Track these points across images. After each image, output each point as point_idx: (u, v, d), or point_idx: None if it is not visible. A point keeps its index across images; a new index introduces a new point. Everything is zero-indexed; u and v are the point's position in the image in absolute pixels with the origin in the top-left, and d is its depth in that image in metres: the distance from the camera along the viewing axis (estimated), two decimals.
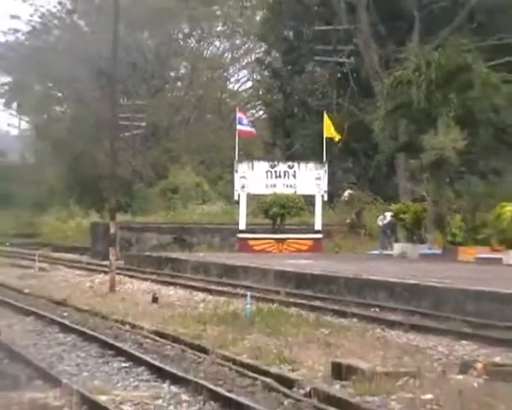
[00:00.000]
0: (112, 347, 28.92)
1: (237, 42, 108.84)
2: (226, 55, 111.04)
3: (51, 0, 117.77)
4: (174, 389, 23.06)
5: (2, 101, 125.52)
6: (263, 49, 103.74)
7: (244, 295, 41.34)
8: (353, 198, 78.11)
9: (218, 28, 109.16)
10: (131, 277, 51.92)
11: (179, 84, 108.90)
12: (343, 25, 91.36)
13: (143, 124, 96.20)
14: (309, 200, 70.86)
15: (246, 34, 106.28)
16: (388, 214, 69.37)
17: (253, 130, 77.62)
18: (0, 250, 78.03)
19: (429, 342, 30.17)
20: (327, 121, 71.00)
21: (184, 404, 21.52)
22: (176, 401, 21.88)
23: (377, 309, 38.28)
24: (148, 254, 63.12)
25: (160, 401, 21.70)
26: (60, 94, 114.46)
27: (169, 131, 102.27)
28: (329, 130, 70.64)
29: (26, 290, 46.06)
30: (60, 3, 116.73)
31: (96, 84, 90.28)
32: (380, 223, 68.44)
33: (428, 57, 76.18)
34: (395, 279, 43.86)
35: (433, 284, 41.25)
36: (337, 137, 71.83)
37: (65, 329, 33.21)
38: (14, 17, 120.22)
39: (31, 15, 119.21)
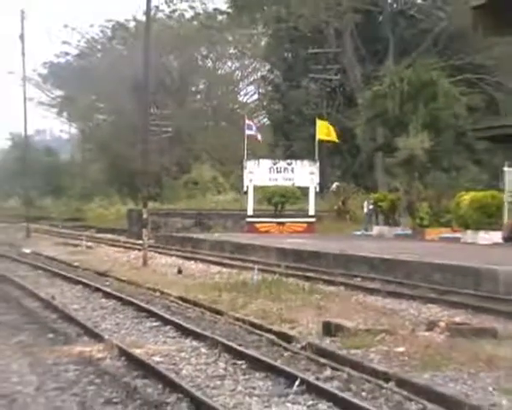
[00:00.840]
0: (145, 310, 29.08)
1: (246, 62, 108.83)
2: (237, 73, 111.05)
3: (95, 28, 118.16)
4: (195, 343, 23.20)
5: (56, 110, 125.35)
6: (266, 68, 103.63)
7: (251, 268, 41.50)
8: (340, 189, 78.14)
9: (230, 51, 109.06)
10: (160, 253, 51.93)
11: (198, 96, 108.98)
12: (331, 48, 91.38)
13: (169, 129, 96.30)
14: (304, 191, 70.85)
15: (253, 56, 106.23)
16: (370, 202, 69.81)
17: (258, 135, 77.79)
18: (53, 231, 77.89)
19: (402, 305, 30.31)
20: (322, 125, 71.22)
21: (203, 356, 21.63)
22: (196, 353, 22.02)
23: (359, 279, 38.42)
24: (173, 234, 62.91)
25: (183, 354, 21.83)
26: (102, 105, 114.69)
27: (190, 135, 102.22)
28: (323, 133, 70.76)
29: (75, 264, 46.09)
30: (102, 31, 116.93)
31: (131, 97, 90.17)
32: (365, 209, 68.57)
33: (401, 75, 76.68)
34: (374, 255, 44.08)
35: (405, 259, 41.36)
36: (334, 139, 72.03)
37: (107, 295, 33.45)
38: (64, 43, 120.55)
39: (78, 41, 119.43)
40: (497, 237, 51.62)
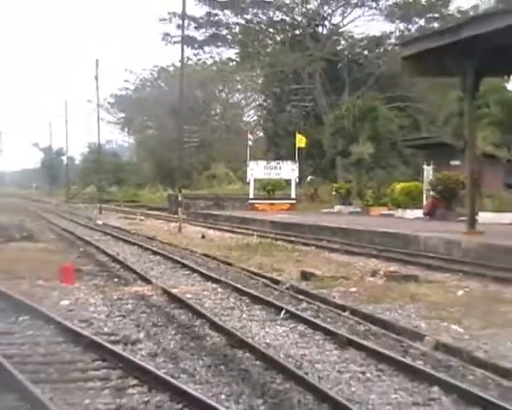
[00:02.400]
0: (179, 262, 29.08)
1: (248, 94, 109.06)
2: (242, 101, 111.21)
3: (146, 71, 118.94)
4: (213, 285, 23.21)
5: (119, 127, 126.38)
6: (262, 98, 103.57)
7: (251, 234, 41.88)
8: (312, 181, 78.19)
9: (238, 87, 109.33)
10: (190, 224, 51.97)
11: (216, 117, 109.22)
12: (306, 85, 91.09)
13: (196, 140, 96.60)
14: (288, 182, 70.72)
15: (253, 90, 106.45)
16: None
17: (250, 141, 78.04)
18: (110, 210, 77.92)
19: (354, 259, 30.30)
20: (300, 137, 71.28)
21: (219, 294, 21.69)
22: (215, 292, 22.08)
23: (325, 242, 38.35)
24: (198, 211, 62.98)
25: (205, 292, 21.86)
26: (150, 124, 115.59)
27: (210, 144, 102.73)
28: (301, 142, 70.83)
29: (132, 231, 46.02)
30: (150, 73, 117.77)
31: (170, 118, 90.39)
32: (334, 195, 68.65)
33: (353, 103, 77.08)
34: (335, 225, 44.18)
35: (356, 228, 41.46)
36: (304, 145, 72.05)
37: (153, 253, 33.37)
38: (125, 81, 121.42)
39: (134, 80, 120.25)
40: (418, 213, 51.75)
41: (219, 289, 22.52)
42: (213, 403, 10.98)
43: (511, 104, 56.21)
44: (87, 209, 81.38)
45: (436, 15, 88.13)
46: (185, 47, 68.81)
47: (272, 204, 67.52)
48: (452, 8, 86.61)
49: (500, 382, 12.50)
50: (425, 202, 53.34)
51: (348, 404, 10.97)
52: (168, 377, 12.34)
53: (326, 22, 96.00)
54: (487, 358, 13.76)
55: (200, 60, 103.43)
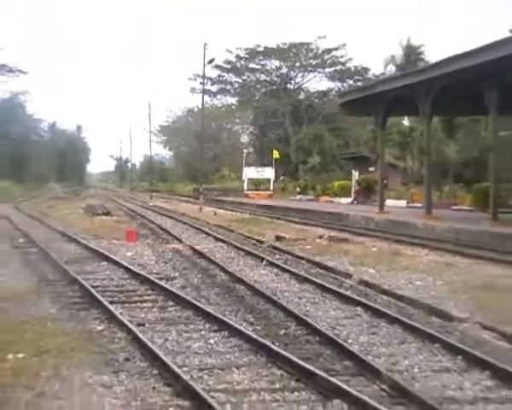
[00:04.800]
0: (200, 230, 28.64)
1: (243, 125, 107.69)
2: (240, 130, 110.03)
3: (179, 111, 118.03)
4: (221, 244, 22.96)
5: (163, 145, 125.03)
6: (252, 128, 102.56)
7: (245, 212, 41.45)
8: (283, 180, 77.59)
9: (237, 121, 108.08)
10: (207, 206, 51.23)
11: (224, 139, 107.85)
12: (280, 119, 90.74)
13: (211, 153, 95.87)
14: (268, 180, 70.21)
15: (246, 123, 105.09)
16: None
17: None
18: (157, 196, 77.36)
19: (308, 228, 29.96)
20: (275, 152, 70.45)
21: (225, 249, 21.45)
22: (222, 248, 21.83)
23: (291, 217, 38.05)
24: (213, 198, 62.71)
25: (216, 248, 21.63)
26: (182, 143, 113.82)
27: (220, 156, 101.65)
28: (276, 155, 70.18)
29: (171, 210, 45.54)
30: (182, 112, 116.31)
31: (195, 140, 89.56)
32: (297, 189, 67.93)
33: (309, 131, 76.38)
34: (297, 207, 43.90)
35: (310, 209, 41.28)
36: (279, 157, 71.50)
37: (183, 223, 32.74)
38: (167, 117, 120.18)
39: (173, 116, 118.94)
40: (348, 200, 51.60)
41: (225, 246, 22.28)
42: (220, 316, 11.05)
43: (405, 133, 56.77)
44: (142, 196, 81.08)
45: (360, 78, 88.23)
46: (205, 96, 68.65)
47: (258, 194, 66.97)
48: (370, 74, 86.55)
49: (398, 303, 12.59)
50: (353, 193, 53.32)
51: (304, 317, 11.02)
52: (193, 301, 12.39)
53: (292, 81, 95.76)
54: (390, 289, 13.83)
55: (213, 104, 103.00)
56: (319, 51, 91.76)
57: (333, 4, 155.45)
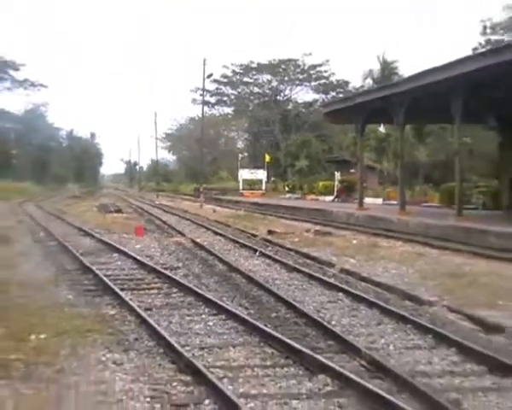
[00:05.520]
0: (200, 224, 28.60)
1: (239, 132, 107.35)
2: (235, 136, 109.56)
3: (181, 119, 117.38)
4: (219, 237, 22.92)
5: (167, 150, 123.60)
6: (247, 135, 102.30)
7: (240, 209, 41.36)
8: (274, 180, 77.35)
9: (233, 128, 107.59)
10: (206, 204, 51.30)
11: (222, 144, 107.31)
12: (271, 127, 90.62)
13: (210, 157, 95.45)
14: (261, 180, 69.81)
15: (241, 130, 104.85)
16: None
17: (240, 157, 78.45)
18: (163, 195, 77.14)
19: (297, 223, 29.95)
20: (267, 156, 69.89)
21: (223, 242, 21.46)
22: (220, 241, 21.81)
23: (281, 213, 37.97)
24: (212, 197, 62.44)
25: (215, 241, 21.62)
26: (185, 148, 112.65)
27: (218, 159, 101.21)
28: (268, 159, 69.69)
29: (174, 207, 45.43)
30: (185, 121, 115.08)
31: (196, 145, 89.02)
32: (287, 188, 67.67)
33: (297, 138, 76.41)
34: (287, 204, 43.77)
35: (298, 206, 41.17)
36: (270, 160, 71.22)
37: (185, 219, 32.61)
38: (172, 124, 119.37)
39: (176, 124, 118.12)
40: (330, 198, 51.58)
41: (222, 240, 22.24)
42: (218, 301, 11.06)
43: (381, 139, 56.71)
44: (150, 195, 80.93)
45: (342, 90, 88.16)
46: (204, 106, 68.47)
47: (252, 193, 66.52)
48: (350, 86, 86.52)
49: (375, 289, 12.63)
50: (335, 192, 53.29)
51: (293, 302, 11.03)
52: (194, 288, 12.39)
53: (282, 93, 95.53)
54: (368, 276, 13.86)
55: (212, 113, 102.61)
56: (305, 67, 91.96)
57: (318, 24, 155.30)
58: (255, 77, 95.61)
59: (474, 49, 48.05)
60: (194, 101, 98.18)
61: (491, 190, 36.81)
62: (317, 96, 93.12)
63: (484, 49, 37.91)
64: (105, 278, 13.29)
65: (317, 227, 26.71)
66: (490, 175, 40.94)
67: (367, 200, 39.97)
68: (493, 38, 53.47)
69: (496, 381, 7.16)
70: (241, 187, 70.74)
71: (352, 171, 53.01)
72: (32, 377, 6.91)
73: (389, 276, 14.10)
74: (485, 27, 54.58)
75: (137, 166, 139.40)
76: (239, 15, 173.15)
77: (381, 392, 6.38)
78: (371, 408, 6.22)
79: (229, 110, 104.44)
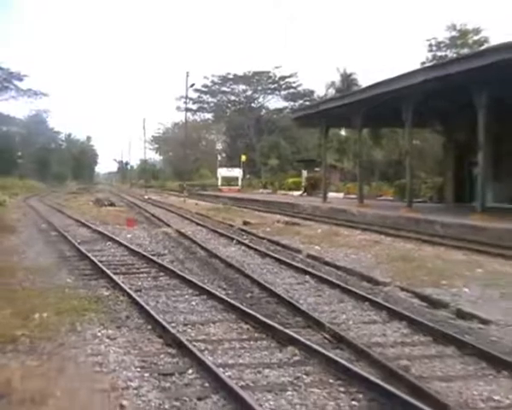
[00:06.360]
0: (183, 217, 28.34)
1: (218, 135, 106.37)
2: (215, 139, 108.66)
3: (168, 124, 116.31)
4: (200, 228, 22.69)
5: (155, 151, 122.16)
6: (225, 137, 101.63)
7: (219, 203, 41.08)
8: (250, 177, 76.95)
9: (213, 132, 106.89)
10: (190, 199, 50.90)
11: (203, 148, 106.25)
12: (246, 131, 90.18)
13: (192, 158, 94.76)
14: (237, 178, 69.61)
15: (220, 133, 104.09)
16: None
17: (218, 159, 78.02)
18: (151, 191, 76.33)
19: (268, 215, 29.67)
20: (243, 156, 69.74)
21: (204, 232, 21.30)
22: (201, 231, 21.62)
23: (255, 206, 37.92)
24: (194, 192, 62.01)
25: (197, 231, 21.38)
26: (170, 149, 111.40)
27: (200, 159, 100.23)
28: (244, 159, 69.49)
29: (161, 201, 45.06)
30: (171, 125, 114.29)
31: (180, 147, 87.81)
32: (260, 184, 67.44)
33: (269, 140, 75.97)
34: (260, 198, 43.66)
35: (269, 200, 41.11)
36: (246, 160, 70.98)
37: (171, 212, 32.29)
38: (159, 128, 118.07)
39: (163, 128, 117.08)
40: (299, 193, 51.67)
41: (203, 230, 22.00)
42: (200, 283, 11.04)
43: (342, 141, 56.99)
44: (139, 191, 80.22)
45: (308, 98, 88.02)
46: (187, 113, 68.15)
47: (230, 189, 65.93)
48: (315, 95, 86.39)
49: (337, 272, 12.67)
50: (303, 188, 53.40)
51: (265, 283, 11.05)
52: (178, 272, 12.35)
53: (255, 101, 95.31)
54: (331, 261, 13.90)
55: (194, 119, 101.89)
56: (276, 78, 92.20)
57: (288, 39, 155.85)
58: (232, 87, 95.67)
59: (422, 63, 48.38)
60: (178, 108, 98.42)
61: (437, 185, 37.24)
62: (286, 104, 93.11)
63: (430, 64, 38.19)
64: (100, 264, 13.20)
65: (287, 218, 26.62)
66: (436, 172, 41.36)
67: (330, 194, 40.13)
68: (438, 53, 53.96)
69: (439, 349, 7.26)
70: (219, 183, 70.43)
71: (317, 169, 53.12)
72: (36, 351, 6.91)
73: (349, 260, 14.17)
74: (430, 45, 55.09)
75: (128, 166, 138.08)
76: (220, 32, 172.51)
77: (341, 360, 6.44)
78: (333, 375, 6.26)
79: (209, 116, 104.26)
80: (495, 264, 13.54)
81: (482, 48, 39.14)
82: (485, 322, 8.37)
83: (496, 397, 5.76)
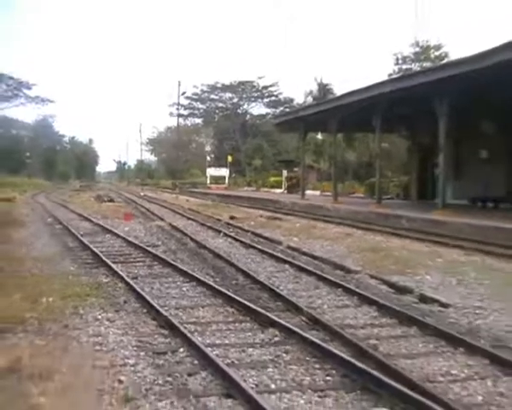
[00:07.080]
0: (176, 212, 28.19)
1: (207, 139, 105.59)
2: (204, 142, 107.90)
3: (162, 128, 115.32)
4: (191, 221, 22.66)
5: (150, 152, 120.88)
6: (213, 140, 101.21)
7: (208, 200, 40.87)
8: (236, 176, 76.74)
9: (202, 135, 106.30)
10: (181, 195, 50.70)
11: (193, 149, 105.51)
12: (232, 134, 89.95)
13: (184, 159, 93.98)
14: (224, 176, 69.49)
15: (209, 137, 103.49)
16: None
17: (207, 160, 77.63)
18: (146, 189, 75.77)
19: (252, 210, 29.60)
20: (230, 157, 69.47)
21: (194, 225, 21.23)
22: (191, 224, 21.54)
23: (240, 203, 37.64)
24: (185, 190, 61.71)
25: (187, 225, 21.36)
26: (163, 151, 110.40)
27: (190, 160, 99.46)
28: (230, 159, 69.31)
29: (156, 198, 44.69)
30: (164, 129, 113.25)
31: (173, 149, 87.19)
32: (245, 183, 67.17)
33: (253, 144, 75.76)
34: (245, 195, 43.36)
35: (253, 196, 40.91)
36: (232, 160, 70.81)
37: (165, 207, 32.04)
38: (153, 132, 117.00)
39: (157, 132, 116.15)
40: (280, 191, 51.66)
41: (194, 223, 21.90)
42: (190, 271, 11.02)
43: (319, 144, 57.04)
44: (136, 188, 79.72)
45: (288, 105, 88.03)
46: (179, 118, 67.96)
47: (218, 186, 65.73)
48: (295, 102, 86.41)
49: (313, 261, 12.69)
50: (283, 186, 53.39)
51: (249, 271, 11.05)
52: (171, 261, 12.32)
53: (241, 108, 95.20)
54: (309, 251, 13.93)
55: (185, 124, 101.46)
56: (259, 87, 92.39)
57: (270, 51, 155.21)
58: (220, 94, 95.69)
59: (390, 74, 48.75)
60: (171, 113, 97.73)
61: (403, 183, 37.47)
62: (268, 110, 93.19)
63: (397, 76, 38.37)
64: (100, 254, 13.12)
65: (269, 213, 26.58)
66: (402, 172, 41.62)
67: (308, 192, 40.21)
68: (404, 66, 54.33)
69: (404, 330, 7.32)
70: (208, 182, 70.22)
71: (296, 169, 53.14)
72: (43, 332, 6.91)
73: (324, 251, 14.21)
74: (397, 58, 55.50)
75: (126, 165, 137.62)
76: (208, 43, 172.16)
77: (317, 340, 6.47)
78: (310, 353, 6.29)
79: (199, 121, 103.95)
80: (454, 254, 13.67)
81: (443, 62, 39.41)
82: (444, 305, 8.47)
83: (453, 371, 5.83)
